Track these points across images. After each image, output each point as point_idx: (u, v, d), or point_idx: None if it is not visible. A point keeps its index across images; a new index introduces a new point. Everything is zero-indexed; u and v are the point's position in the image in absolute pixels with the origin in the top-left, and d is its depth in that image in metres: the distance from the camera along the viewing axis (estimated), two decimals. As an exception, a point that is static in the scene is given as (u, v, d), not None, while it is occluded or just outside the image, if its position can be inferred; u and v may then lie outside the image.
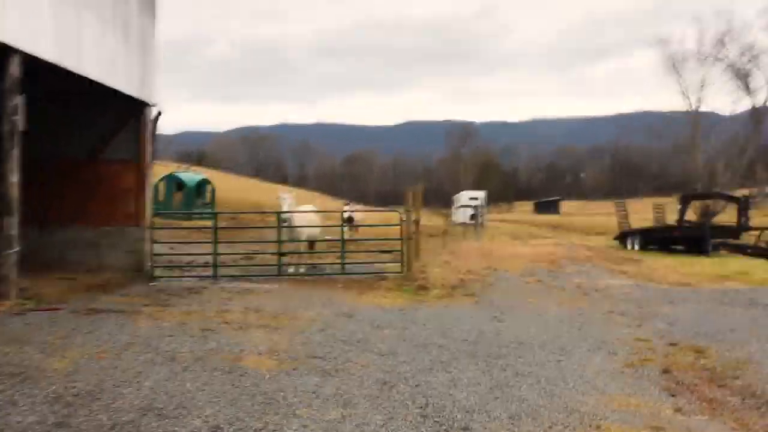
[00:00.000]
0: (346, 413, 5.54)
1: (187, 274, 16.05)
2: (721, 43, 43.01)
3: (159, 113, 15.75)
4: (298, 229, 16.16)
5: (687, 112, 44.45)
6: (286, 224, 15.95)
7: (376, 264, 16.77)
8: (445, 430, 5.27)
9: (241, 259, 18.33)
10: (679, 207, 28.83)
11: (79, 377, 6.31)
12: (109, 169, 15.47)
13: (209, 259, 15.89)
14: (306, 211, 17.15)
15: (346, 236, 21.50)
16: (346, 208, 25.21)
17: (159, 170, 36.24)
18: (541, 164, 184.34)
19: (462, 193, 61.83)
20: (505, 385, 6.55)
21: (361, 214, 29.50)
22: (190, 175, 33.78)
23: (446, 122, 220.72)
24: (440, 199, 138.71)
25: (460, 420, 5.49)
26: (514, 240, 36.98)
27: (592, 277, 17.22)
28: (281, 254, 16.14)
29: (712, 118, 48.53)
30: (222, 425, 5.16)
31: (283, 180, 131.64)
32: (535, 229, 59.68)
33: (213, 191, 33.48)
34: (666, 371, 7.24)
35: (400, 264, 15.96)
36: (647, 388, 6.58)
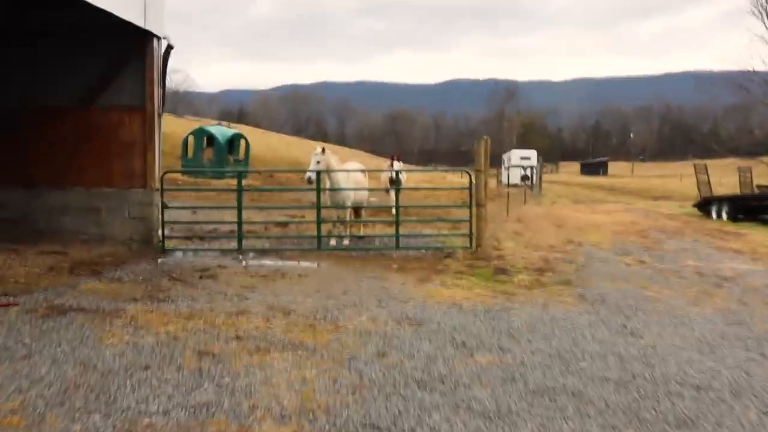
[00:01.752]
0: None
1: (206, 246, 13.15)
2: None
3: (170, 47, 12.62)
4: (344, 192, 13.06)
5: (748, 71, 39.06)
6: (328, 187, 12.88)
7: (438, 237, 13.70)
8: None
9: (274, 226, 15.35)
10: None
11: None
12: (107, 118, 12.44)
13: (236, 226, 12.95)
14: (351, 170, 13.97)
15: (389, 200, 18.26)
16: (395, 164, 20.99)
17: (192, 126, 33.35)
18: (586, 124, 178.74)
19: (512, 151, 58.05)
20: None
21: (408, 173, 25.68)
22: (222, 129, 30.57)
23: (489, 80, 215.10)
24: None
25: None
26: (577, 204, 33.46)
27: (704, 257, 13.81)
28: (321, 222, 13.05)
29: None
30: None
31: (324, 138, 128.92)
32: (591, 192, 55.78)
33: (247, 147, 30.37)
34: None
35: (468, 237, 12.79)
36: None
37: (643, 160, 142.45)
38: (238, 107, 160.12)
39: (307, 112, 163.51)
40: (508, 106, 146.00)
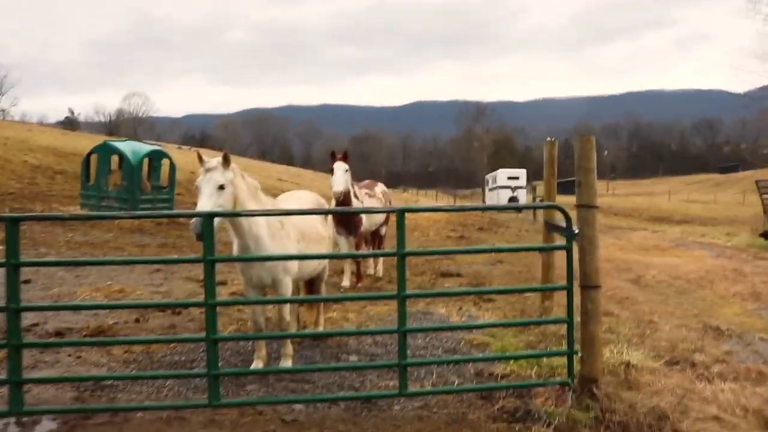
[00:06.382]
0: None
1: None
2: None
3: None
4: (271, 257, 5.61)
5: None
6: (235, 248, 5.55)
7: (479, 354, 6.45)
8: None
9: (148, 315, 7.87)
10: None
11: None
12: None
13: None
14: (291, 211, 6.42)
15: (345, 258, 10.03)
16: (340, 166, 9.54)
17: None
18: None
19: (498, 171, 50.78)
20: None
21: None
22: (134, 145, 22.27)
23: (454, 102, 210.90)
24: (452, 179, 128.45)
25: None
26: (603, 235, 26.52)
27: None
28: (214, 340, 5.40)
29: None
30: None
31: (289, 161, 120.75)
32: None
33: (172, 169, 22.48)
34: None
35: (565, 356, 5.44)
36: None
37: (614, 178, 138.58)
38: (201, 131, 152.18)
39: (271, 135, 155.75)
40: (477, 125, 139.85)
